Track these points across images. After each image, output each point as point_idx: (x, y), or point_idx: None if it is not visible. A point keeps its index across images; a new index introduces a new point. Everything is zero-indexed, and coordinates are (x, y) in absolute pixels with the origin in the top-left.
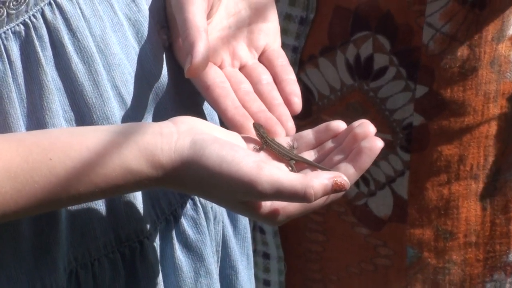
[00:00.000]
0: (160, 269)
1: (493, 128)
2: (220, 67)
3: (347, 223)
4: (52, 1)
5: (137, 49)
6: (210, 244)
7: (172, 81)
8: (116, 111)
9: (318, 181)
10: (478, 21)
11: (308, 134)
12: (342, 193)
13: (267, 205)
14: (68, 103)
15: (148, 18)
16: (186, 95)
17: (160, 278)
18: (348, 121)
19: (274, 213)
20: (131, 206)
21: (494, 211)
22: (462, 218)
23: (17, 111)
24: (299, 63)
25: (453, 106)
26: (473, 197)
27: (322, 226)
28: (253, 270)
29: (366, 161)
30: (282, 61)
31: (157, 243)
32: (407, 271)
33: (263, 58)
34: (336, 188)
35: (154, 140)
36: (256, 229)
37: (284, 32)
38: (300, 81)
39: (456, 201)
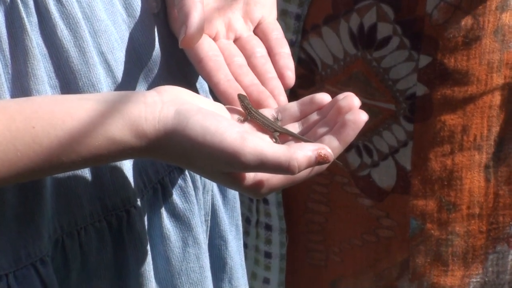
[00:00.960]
0: (147, 239)
1: (496, 98)
2: (215, 38)
3: (350, 194)
4: None
5: (124, 16)
6: (199, 213)
7: (161, 48)
8: (102, 77)
9: (302, 153)
10: None
11: (293, 106)
12: (326, 165)
13: (251, 176)
14: (54, 70)
15: None
16: (176, 62)
17: (147, 248)
18: (351, 91)
19: (257, 185)
20: (118, 174)
21: (497, 182)
22: (466, 189)
23: (1, 77)
24: (302, 32)
25: (457, 76)
26: (477, 168)
27: (325, 197)
28: (242, 241)
29: (350, 134)
30: (277, 34)
31: (144, 212)
32: (410, 242)
33: (258, 30)
34: (320, 160)
35: (138, 109)
36: (260, 200)
37: (286, 0)
38: (303, 50)
39: (459, 172)
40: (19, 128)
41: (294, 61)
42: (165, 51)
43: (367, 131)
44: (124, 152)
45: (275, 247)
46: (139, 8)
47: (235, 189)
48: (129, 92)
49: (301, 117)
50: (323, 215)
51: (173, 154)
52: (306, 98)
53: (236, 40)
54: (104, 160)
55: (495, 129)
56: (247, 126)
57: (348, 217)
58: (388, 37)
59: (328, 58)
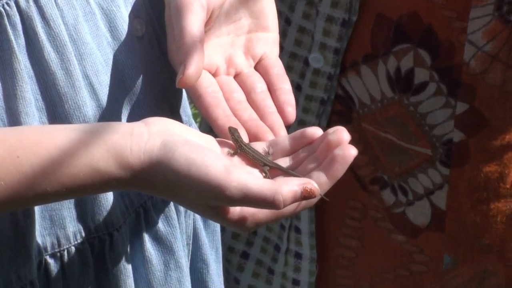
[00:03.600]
0: (130, 262)
1: None
2: (215, 74)
3: (384, 230)
4: None
5: (109, 39)
6: (181, 237)
7: (146, 71)
8: (88, 101)
9: (287, 187)
10: None
11: (284, 140)
12: (314, 200)
13: (236, 210)
14: (40, 92)
15: (121, 8)
16: (160, 85)
17: (129, 271)
18: (389, 132)
19: (243, 220)
20: (100, 197)
21: None
22: (500, 232)
23: None
24: (341, 68)
25: (494, 124)
26: None
27: (357, 232)
28: (221, 264)
29: (339, 169)
30: (278, 70)
31: (126, 235)
32: (443, 277)
33: (259, 67)
34: (305, 195)
35: (123, 140)
36: (292, 229)
37: (325, 33)
38: (341, 87)
39: (495, 217)
40: (3, 157)
41: (332, 96)
42: (149, 74)
43: (402, 173)
44: (109, 183)
45: (304, 276)
46: (124, 31)
47: (221, 223)
48: (116, 122)
49: (292, 151)
50: (353, 250)
51: (158, 186)
52: (297, 132)
53: (236, 76)
54: (89, 191)
55: None
56: (236, 159)
57: (380, 252)
58: (425, 83)
59: (365, 97)
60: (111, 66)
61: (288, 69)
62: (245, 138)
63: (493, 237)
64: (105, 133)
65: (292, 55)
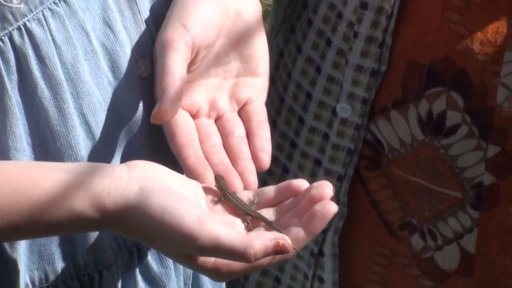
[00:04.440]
0: None
1: None
2: (196, 115)
3: (411, 276)
4: (21, 26)
5: (111, 78)
6: (176, 279)
7: (147, 112)
8: (81, 140)
9: (259, 241)
10: None
11: (270, 190)
12: (290, 255)
13: (211, 260)
14: (33, 128)
15: (126, 48)
16: (158, 127)
17: None
18: (418, 176)
19: (216, 270)
20: (92, 234)
21: None
22: None
23: None
24: (370, 114)
25: None
26: None
27: (383, 278)
28: None
29: (317, 225)
30: (260, 116)
31: (118, 275)
32: None
33: (242, 112)
34: (277, 250)
35: (102, 183)
36: (315, 278)
37: (354, 83)
38: (370, 132)
39: None
40: None
41: (359, 146)
42: (149, 115)
43: (432, 217)
44: (83, 224)
45: None
46: (128, 72)
47: (196, 271)
48: (98, 164)
49: (277, 202)
50: None
51: (134, 231)
52: (283, 184)
53: (218, 119)
54: (64, 231)
55: None
56: (219, 208)
57: None
58: (456, 125)
59: (395, 141)
60: (109, 104)
61: (316, 117)
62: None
63: None
64: (85, 175)
65: (320, 104)
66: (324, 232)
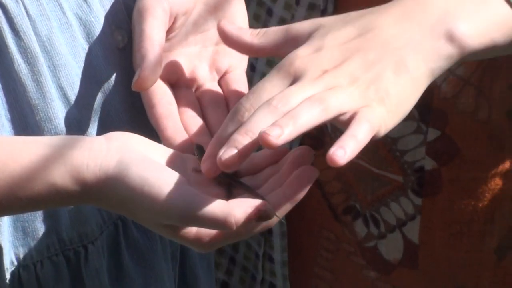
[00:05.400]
0: (106, 275)
1: (510, 182)
2: (175, 85)
3: (356, 265)
4: None
5: (87, 50)
6: (162, 250)
7: (125, 83)
8: (60, 112)
9: (240, 209)
10: (493, 66)
11: (252, 158)
12: (273, 222)
13: (193, 230)
14: (11, 103)
15: (100, 19)
16: (139, 97)
17: (106, 284)
18: (360, 157)
19: (198, 239)
20: (75, 208)
21: (508, 264)
22: (474, 270)
23: None
24: None
25: (466, 153)
26: (487, 250)
27: (331, 264)
28: (213, 275)
29: (299, 190)
30: (240, 86)
31: (104, 249)
32: None
33: (222, 81)
34: (259, 216)
35: (81, 155)
36: (266, 257)
37: None
38: None
39: (470, 252)
40: None
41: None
42: (128, 86)
43: (375, 201)
44: (64, 198)
45: None
46: (104, 42)
47: (179, 242)
48: (76, 137)
49: (259, 169)
50: (328, 283)
51: (115, 203)
52: (266, 150)
53: (197, 89)
54: (44, 206)
55: (508, 213)
56: (199, 177)
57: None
58: None
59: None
60: (88, 77)
61: None
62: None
63: (467, 276)
64: (65, 148)
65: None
66: None
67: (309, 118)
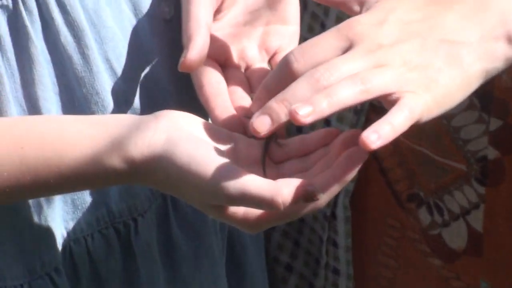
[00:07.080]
0: (157, 248)
1: None
2: (225, 64)
3: (420, 252)
4: None
5: (134, 22)
6: (212, 222)
7: (172, 55)
8: (107, 85)
9: (287, 189)
10: None
11: (304, 139)
12: (321, 203)
13: (240, 210)
14: (58, 76)
15: None
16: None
17: (157, 257)
18: (423, 144)
19: (247, 219)
20: None
21: None
22: None
23: (6, 86)
24: None
25: None
26: None
27: (395, 251)
28: (263, 247)
29: (347, 171)
30: None
31: (153, 221)
32: None
33: (272, 61)
34: (306, 196)
35: (129, 134)
36: (330, 242)
37: None
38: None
39: None
40: (8, 147)
41: (365, 106)
42: (176, 59)
43: (438, 189)
44: (111, 176)
45: None
46: (151, 15)
47: (226, 222)
48: (124, 116)
49: (307, 151)
50: (391, 270)
51: (161, 181)
52: (315, 133)
53: (247, 69)
54: (91, 185)
55: None
56: (248, 156)
57: (416, 276)
58: None
59: None
60: (135, 49)
61: None
62: None
63: None
64: (112, 127)
65: None
66: (336, 194)
67: (346, 97)
